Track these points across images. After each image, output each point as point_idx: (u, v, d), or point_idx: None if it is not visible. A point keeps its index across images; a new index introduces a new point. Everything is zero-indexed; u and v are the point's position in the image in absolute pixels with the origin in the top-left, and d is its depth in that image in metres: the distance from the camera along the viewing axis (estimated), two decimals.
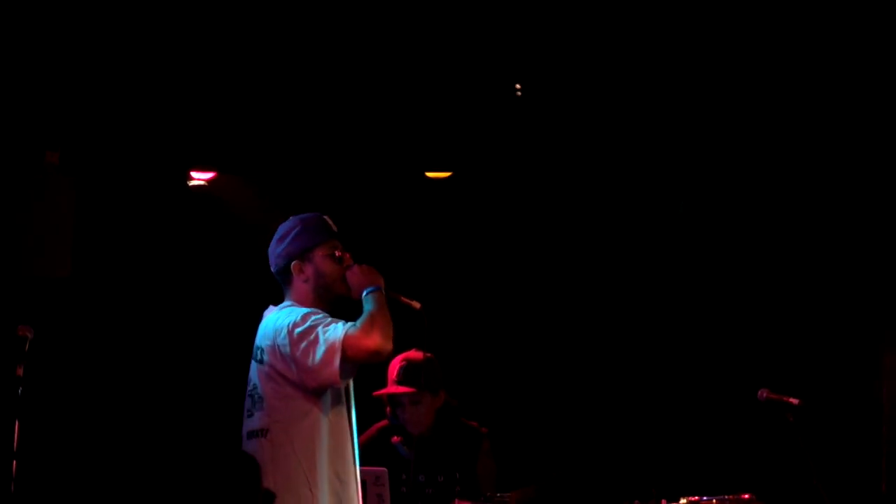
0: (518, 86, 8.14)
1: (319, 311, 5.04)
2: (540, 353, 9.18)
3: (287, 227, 5.23)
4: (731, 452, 8.61)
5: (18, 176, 7.90)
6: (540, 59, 7.84)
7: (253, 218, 8.88)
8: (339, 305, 5.16)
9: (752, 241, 8.81)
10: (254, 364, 5.12)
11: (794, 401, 6.19)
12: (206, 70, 7.67)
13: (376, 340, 4.90)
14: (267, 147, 8.52)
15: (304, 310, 5.04)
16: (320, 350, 4.89)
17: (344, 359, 4.88)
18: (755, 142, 8.42)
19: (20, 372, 5.11)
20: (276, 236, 5.25)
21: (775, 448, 8.05)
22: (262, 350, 5.05)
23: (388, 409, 6.51)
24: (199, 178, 8.70)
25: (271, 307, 5.20)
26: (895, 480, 8.02)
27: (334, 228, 5.25)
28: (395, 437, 6.45)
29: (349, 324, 4.95)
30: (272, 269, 5.25)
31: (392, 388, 6.42)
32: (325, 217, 5.28)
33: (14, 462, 5.14)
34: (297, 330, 4.95)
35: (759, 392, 6.28)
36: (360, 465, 5.99)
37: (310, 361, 4.90)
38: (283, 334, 4.97)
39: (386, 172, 8.95)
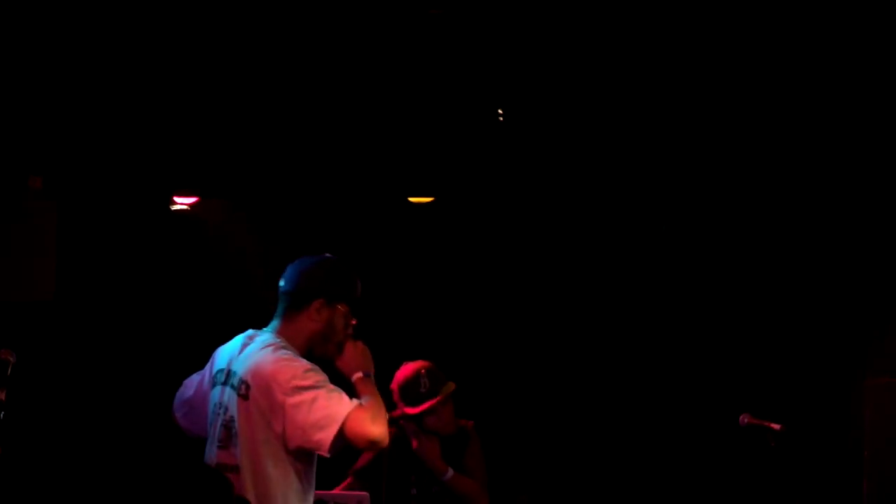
0: (500, 111, 8.16)
1: (318, 368, 4.76)
2: (522, 377, 9.18)
3: (333, 264, 4.98)
4: (713, 477, 8.61)
5: (1, 200, 7.91)
6: (522, 85, 7.86)
7: (235, 242, 8.90)
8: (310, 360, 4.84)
9: (733, 266, 8.84)
10: (229, 392, 4.85)
11: (776, 426, 6.19)
12: (190, 95, 7.67)
13: (379, 431, 4.65)
14: (250, 172, 8.53)
15: (302, 362, 4.76)
16: (318, 413, 4.63)
17: (340, 433, 4.61)
18: (738, 166, 8.45)
19: (2, 396, 5.09)
20: (315, 261, 4.97)
21: (757, 473, 8.06)
22: (247, 385, 4.78)
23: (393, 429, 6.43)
24: (181, 202, 8.71)
25: (251, 331, 4.96)
26: None
27: (358, 294, 5.01)
28: (413, 441, 6.48)
29: (356, 400, 4.71)
30: (286, 286, 4.93)
31: (431, 402, 6.49)
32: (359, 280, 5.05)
33: None
34: (297, 385, 4.67)
35: (741, 417, 6.28)
36: (383, 471, 6.14)
37: (301, 419, 4.65)
38: (279, 382, 4.70)
39: (369, 197, 8.97)
